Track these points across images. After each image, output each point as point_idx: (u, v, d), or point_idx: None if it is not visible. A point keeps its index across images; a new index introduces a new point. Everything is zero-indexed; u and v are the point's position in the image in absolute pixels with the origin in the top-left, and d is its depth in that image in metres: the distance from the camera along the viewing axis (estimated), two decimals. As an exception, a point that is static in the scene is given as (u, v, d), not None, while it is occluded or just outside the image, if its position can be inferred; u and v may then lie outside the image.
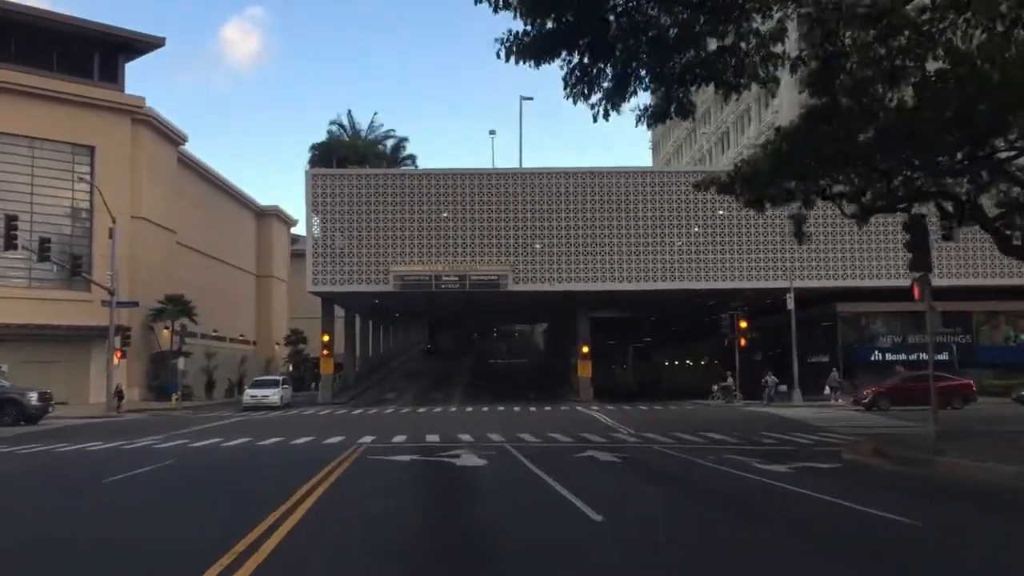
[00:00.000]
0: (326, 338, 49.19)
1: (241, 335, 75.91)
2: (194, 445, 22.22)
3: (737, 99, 18.12)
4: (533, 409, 41.24)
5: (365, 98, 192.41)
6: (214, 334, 68.46)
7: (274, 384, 46.59)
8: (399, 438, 23.30)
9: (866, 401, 34.36)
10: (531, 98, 62.61)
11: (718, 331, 68.17)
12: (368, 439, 22.98)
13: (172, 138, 59.10)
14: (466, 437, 23.25)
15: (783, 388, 42.62)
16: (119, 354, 41.92)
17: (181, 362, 44.53)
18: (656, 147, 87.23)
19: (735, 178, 24.02)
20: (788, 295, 41.84)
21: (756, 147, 23.63)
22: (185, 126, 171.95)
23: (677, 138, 78.46)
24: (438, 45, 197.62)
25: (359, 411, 41.48)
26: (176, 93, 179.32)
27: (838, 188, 24.64)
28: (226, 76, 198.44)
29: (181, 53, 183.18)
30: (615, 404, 44.36)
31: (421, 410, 41.42)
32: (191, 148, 66.60)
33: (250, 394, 45.15)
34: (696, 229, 46.60)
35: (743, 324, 42.40)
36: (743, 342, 42.34)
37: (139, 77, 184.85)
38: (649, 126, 21.91)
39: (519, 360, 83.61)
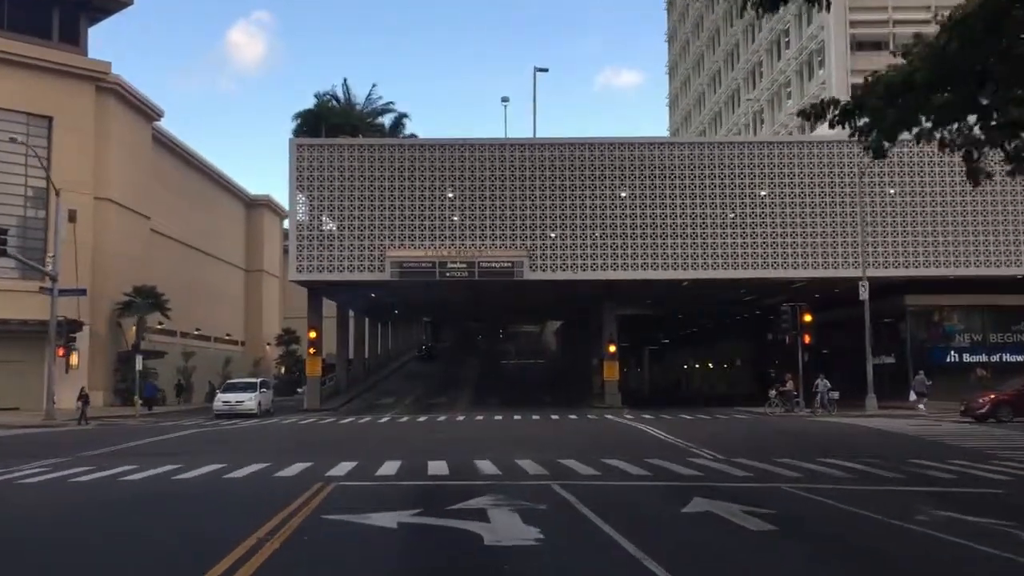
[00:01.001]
0: (313, 334, 41.39)
1: (228, 334, 68.18)
2: (80, 480, 14.51)
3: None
4: (555, 418, 33.67)
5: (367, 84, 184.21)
6: (196, 333, 60.83)
7: (250, 388, 38.82)
8: (389, 467, 15.63)
9: (983, 411, 26.62)
10: (546, 69, 55.58)
11: (749, 330, 60.81)
12: (344, 469, 15.35)
13: (145, 112, 51.40)
14: (486, 466, 15.60)
15: (835, 395, 34.86)
16: (61, 351, 34.17)
17: (139, 361, 36.75)
18: (675, 134, 79.47)
19: (869, 94, 16.55)
20: (861, 283, 34.16)
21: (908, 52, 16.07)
22: (180, 122, 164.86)
23: (700, 122, 70.78)
24: (443, 33, 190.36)
25: (348, 420, 33.95)
26: (175, 90, 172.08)
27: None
28: (221, 71, 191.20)
29: (182, 53, 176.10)
30: (649, 411, 36.79)
31: (422, 419, 33.84)
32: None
33: (222, 399, 37.43)
34: (741, 210, 38.94)
35: (808, 317, 34.48)
36: (807, 339, 34.49)
37: (136, 74, 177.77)
38: (763, 11, 14.62)
39: (530, 361, 75.59)
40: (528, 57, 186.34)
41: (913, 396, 33.95)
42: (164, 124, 55.43)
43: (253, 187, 75.78)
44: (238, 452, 19.42)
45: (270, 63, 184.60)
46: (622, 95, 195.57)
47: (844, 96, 44.99)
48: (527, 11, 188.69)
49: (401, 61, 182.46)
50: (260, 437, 25.53)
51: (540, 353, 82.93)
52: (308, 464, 16.14)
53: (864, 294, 33.98)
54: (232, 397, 37.29)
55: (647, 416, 33.65)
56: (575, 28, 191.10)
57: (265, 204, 74.46)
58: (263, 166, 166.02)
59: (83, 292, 37.11)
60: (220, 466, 16.03)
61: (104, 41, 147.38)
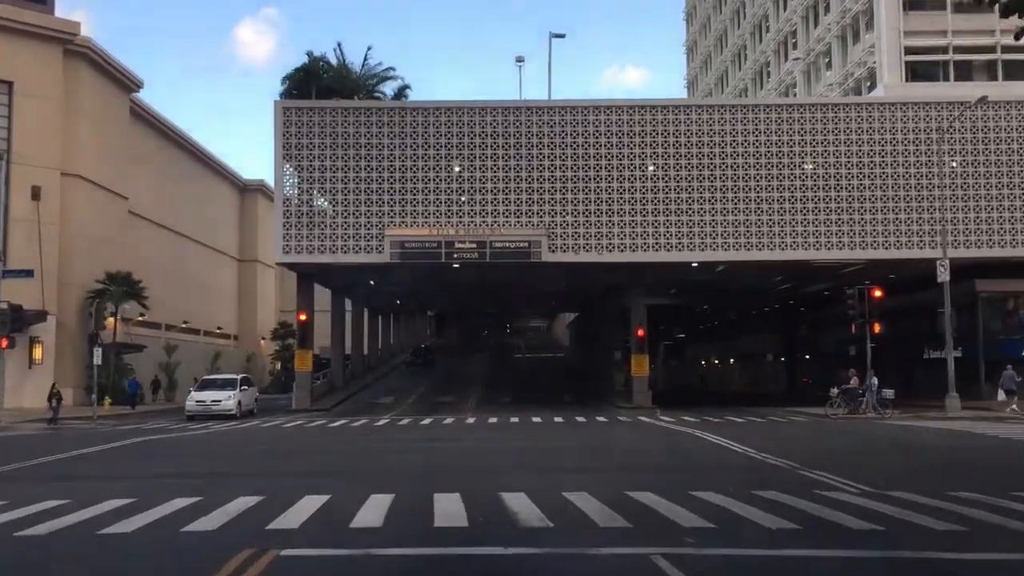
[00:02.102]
0: (302, 319, 35.72)
1: (219, 328, 62.69)
2: None
3: None
4: (581, 420, 28.21)
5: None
6: (183, 325, 55.30)
7: (229, 385, 33.14)
8: (374, 508, 9.97)
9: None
10: (563, 35, 49.52)
11: (778, 323, 55.26)
12: (304, 511, 9.73)
13: (122, 81, 45.79)
14: (522, 504, 9.96)
15: (890, 393, 29.13)
16: (4, 342, 28.61)
17: (97, 354, 31.15)
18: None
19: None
20: (940, 263, 28.56)
21: None
22: (180, 115, 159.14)
23: (725, 98, 64.95)
24: (444, 31, 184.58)
25: (340, 422, 28.46)
26: (175, 83, 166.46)
27: None
28: (223, 62, 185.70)
29: (188, 47, 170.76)
30: (688, 412, 31.22)
31: (426, 422, 28.36)
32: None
33: (195, 398, 31.78)
34: (789, 182, 33.29)
35: (878, 293, 28.49)
36: (876, 327, 28.79)
37: (138, 68, 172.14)
38: None
39: (542, 355, 69.71)
40: (529, 55, 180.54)
41: (1002, 395, 28.33)
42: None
43: (251, 177, 70.11)
44: (167, 475, 13.87)
45: (274, 52, 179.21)
46: (627, 93, 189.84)
47: (898, 62, 38.40)
48: (529, 9, 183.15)
49: (403, 53, 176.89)
50: (219, 449, 19.95)
51: (551, 348, 77.26)
52: (255, 500, 10.52)
53: (944, 275, 28.36)
54: (207, 396, 31.68)
55: (688, 418, 28.10)
56: (578, 26, 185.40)
57: (259, 189, 68.80)
58: (262, 164, 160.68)
59: (30, 274, 31.48)
60: (121, 503, 10.41)
61: (106, 40, 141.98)
